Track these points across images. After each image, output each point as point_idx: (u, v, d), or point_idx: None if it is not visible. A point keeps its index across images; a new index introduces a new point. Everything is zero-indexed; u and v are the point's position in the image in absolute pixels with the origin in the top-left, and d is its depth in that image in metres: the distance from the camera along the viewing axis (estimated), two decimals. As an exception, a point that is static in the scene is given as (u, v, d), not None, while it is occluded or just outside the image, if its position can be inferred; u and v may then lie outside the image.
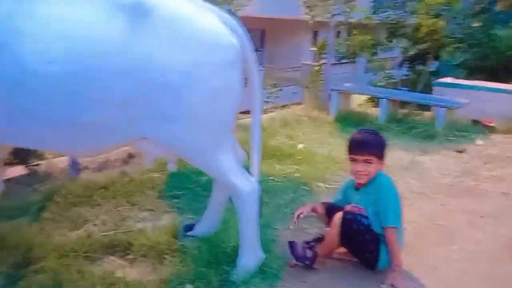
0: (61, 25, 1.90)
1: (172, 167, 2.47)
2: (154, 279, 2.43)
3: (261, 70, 6.39)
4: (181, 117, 2.09)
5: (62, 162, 4.24)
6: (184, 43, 2.04)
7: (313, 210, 2.83)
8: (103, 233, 2.92)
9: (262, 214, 2.57)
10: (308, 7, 7.54)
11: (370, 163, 2.54)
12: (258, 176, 2.47)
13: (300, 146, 5.18)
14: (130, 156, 4.54)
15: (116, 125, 2.05)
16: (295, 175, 4.19)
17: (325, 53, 8.25)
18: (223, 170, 2.31)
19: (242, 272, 2.38)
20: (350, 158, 2.62)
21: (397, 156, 4.95)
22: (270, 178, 3.99)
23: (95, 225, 3.09)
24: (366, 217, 2.53)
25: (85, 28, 1.93)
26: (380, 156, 2.58)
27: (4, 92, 1.88)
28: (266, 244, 2.64)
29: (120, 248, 2.76)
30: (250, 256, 2.43)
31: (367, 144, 2.57)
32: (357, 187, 2.68)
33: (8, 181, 3.53)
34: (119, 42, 1.93)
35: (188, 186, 3.76)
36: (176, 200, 3.56)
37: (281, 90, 8.21)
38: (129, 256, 2.68)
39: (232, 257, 2.50)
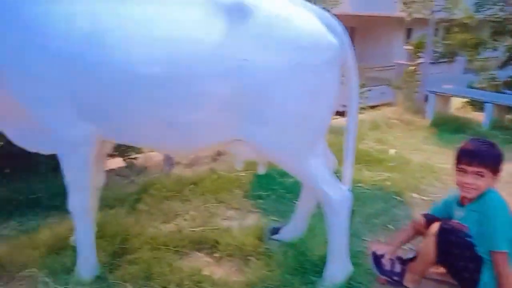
0: (162, 27, 1.97)
1: (261, 170, 2.44)
2: (239, 281, 2.43)
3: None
4: (275, 119, 2.04)
5: (157, 156, 4.49)
6: (282, 44, 1.98)
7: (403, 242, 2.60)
8: (192, 229, 3.01)
9: (350, 223, 2.43)
10: (405, 3, 7.10)
11: (481, 176, 2.26)
12: (350, 184, 2.35)
13: (392, 151, 4.87)
14: (219, 153, 4.65)
15: (212, 126, 2.07)
16: (386, 183, 3.94)
17: (421, 52, 7.70)
18: (313, 176, 2.22)
19: (328, 284, 2.27)
20: (458, 168, 2.35)
21: (505, 169, 4.42)
22: (359, 185, 3.79)
23: (185, 220, 3.20)
24: (469, 236, 2.27)
25: (185, 30, 1.97)
26: (494, 170, 2.28)
27: (109, 92, 1.99)
28: (354, 256, 2.49)
29: (207, 245, 2.82)
30: (338, 268, 2.31)
31: (480, 155, 2.28)
32: (462, 203, 2.41)
33: (108, 172, 3.81)
34: (218, 44, 1.94)
35: (273, 187, 3.73)
36: (261, 201, 3.55)
37: (370, 90, 7.85)
38: (216, 254, 2.72)
39: (318, 266, 2.41)
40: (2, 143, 3.28)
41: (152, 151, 4.51)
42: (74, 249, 2.59)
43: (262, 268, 2.49)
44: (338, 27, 2.15)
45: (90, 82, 1.97)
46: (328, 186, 2.21)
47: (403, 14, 7.45)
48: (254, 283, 2.37)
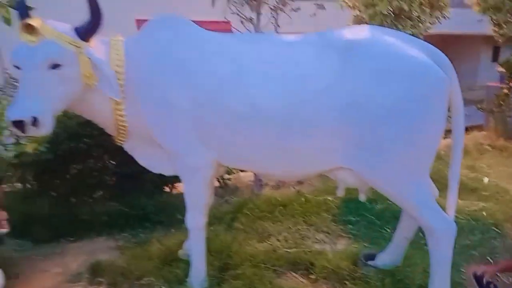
0: (281, 65, 2.20)
1: (362, 197, 2.53)
2: (337, 304, 2.52)
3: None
4: (384, 149, 2.15)
5: (247, 177, 4.74)
6: (393, 79, 2.11)
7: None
8: (286, 249, 3.16)
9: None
10: (498, 24, 6.78)
11: None
12: (454, 214, 2.35)
13: (486, 180, 4.66)
14: (304, 176, 4.79)
15: (322, 154, 2.23)
16: (482, 213, 3.79)
17: (514, 74, 7.24)
18: (418, 204, 2.27)
19: (431, 314, 2.28)
20: None
21: None
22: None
23: (278, 240, 3.37)
24: None
25: (301, 68, 2.18)
26: None
27: (235, 124, 2.25)
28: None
29: (302, 266, 2.95)
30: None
31: None
32: None
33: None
34: (330, 79, 2.13)
35: (362, 213, 3.77)
36: (351, 226, 3.61)
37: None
38: (312, 276, 2.84)
39: (418, 296, 2.42)
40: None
41: (242, 172, 4.78)
42: (183, 261, 2.88)
43: (359, 291, 2.56)
44: (446, 60, 2.23)
45: (220, 117, 2.25)
46: (432, 215, 2.24)
47: (490, 32, 7.12)
48: (352, 307, 2.45)
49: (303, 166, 2.34)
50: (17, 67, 2.13)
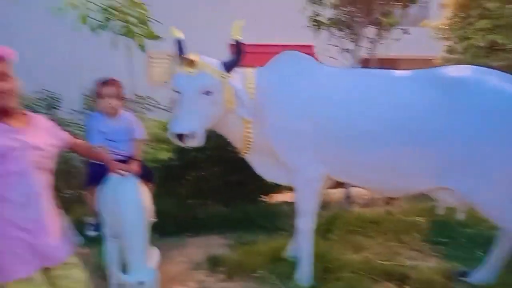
0: (393, 97, 2.61)
1: (461, 216, 2.80)
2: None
3: None
4: (487, 173, 2.45)
5: (337, 193, 5.11)
6: (496, 115, 2.43)
7: None
8: (381, 261, 3.46)
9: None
10: None
11: None
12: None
13: None
14: (391, 197, 5.04)
15: (427, 175, 2.59)
16: None
17: None
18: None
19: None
20: None
21: None
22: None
23: (371, 253, 3.68)
24: None
25: (410, 100, 2.57)
26: None
27: (349, 145, 2.68)
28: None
29: (396, 277, 3.23)
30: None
31: None
32: None
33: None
34: (436, 108, 2.49)
35: (452, 235, 3.94)
36: (441, 247, 3.81)
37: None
38: (406, 287, 3.11)
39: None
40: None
41: (332, 188, 5.15)
42: (288, 261, 3.32)
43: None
44: None
45: (336, 139, 2.71)
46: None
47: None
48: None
49: (408, 184, 2.69)
50: (177, 92, 2.75)
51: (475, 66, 2.71)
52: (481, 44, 4.85)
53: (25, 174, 1.84)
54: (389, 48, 4.74)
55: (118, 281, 2.58)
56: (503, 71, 2.65)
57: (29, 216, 1.85)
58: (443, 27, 5.54)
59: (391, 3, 4.57)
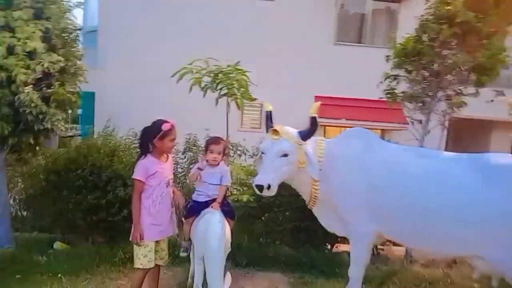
0: (439, 175, 3.14)
1: (494, 284, 3.13)
2: None
3: None
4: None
5: (398, 251, 5.44)
6: None
7: None
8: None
9: None
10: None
11: None
12: None
13: None
14: (454, 261, 5.23)
15: (464, 244, 3.04)
16: None
17: None
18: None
19: None
20: None
21: None
22: None
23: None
24: None
25: (454, 179, 3.08)
26: None
27: (399, 212, 3.25)
28: None
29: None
30: None
31: None
32: None
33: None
34: (476, 189, 2.97)
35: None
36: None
37: None
38: None
39: None
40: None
41: (395, 245, 5.50)
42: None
43: None
44: None
45: (388, 205, 3.27)
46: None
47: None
48: None
49: (446, 249, 3.15)
50: (263, 153, 3.53)
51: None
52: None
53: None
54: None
55: (199, 295, 3.34)
56: None
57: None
58: (515, 101, 5.72)
59: (461, 84, 5.01)
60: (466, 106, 5.17)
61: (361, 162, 3.45)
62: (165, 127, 3.42)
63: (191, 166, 5.59)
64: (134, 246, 3.45)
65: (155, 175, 3.42)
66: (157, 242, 3.55)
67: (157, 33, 9.99)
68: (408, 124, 5.48)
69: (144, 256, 3.45)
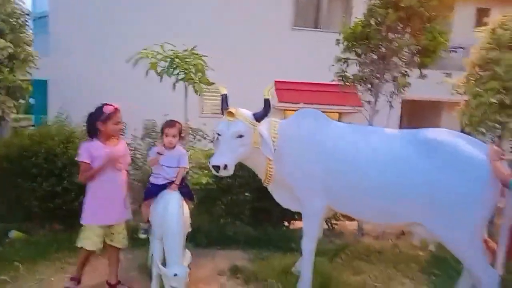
0: (384, 151, 3.37)
1: (431, 247, 3.44)
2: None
3: None
4: (446, 214, 3.13)
5: (351, 225, 5.76)
6: (459, 170, 3.12)
7: None
8: (376, 284, 4.11)
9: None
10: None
11: None
12: (502, 270, 3.12)
13: None
14: (402, 233, 5.62)
15: (405, 212, 3.30)
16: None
17: None
18: (471, 261, 3.12)
19: None
20: None
21: None
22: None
23: (369, 276, 4.32)
24: None
25: (396, 154, 3.33)
26: None
27: (348, 187, 3.46)
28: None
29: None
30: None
31: None
32: None
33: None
34: (416, 163, 3.23)
35: (446, 269, 4.47)
36: (433, 277, 4.36)
37: None
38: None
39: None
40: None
41: (347, 221, 5.82)
42: (294, 274, 4.05)
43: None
44: (486, 149, 3.16)
45: (338, 180, 3.48)
46: (481, 269, 3.06)
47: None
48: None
49: (390, 219, 3.42)
50: (219, 134, 3.63)
51: (450, 131, 3.42)
52: (491, 101, 5.36)
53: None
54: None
55: (158, 272, 3.44)
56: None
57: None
58: (461, 83, 6.12)
59: (406, 66, 5.32)
60: (410, 86, 5.49)
61: (311, 142, 3.63)
62: (106, 109, 3.52)
63: (149, 152, 5.65)
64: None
65: (99, 158, 3.49)
66: (111, 226, 3.65)
67: (111, 18, 9.76)
68: (363, 106, 5.75)
69: (87, 238, 3.57)
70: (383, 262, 4.65)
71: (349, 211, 3.72)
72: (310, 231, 3.73)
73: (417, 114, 12.60)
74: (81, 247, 3.60)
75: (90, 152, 3.50)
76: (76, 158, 3.56)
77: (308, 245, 3.75)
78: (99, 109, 3.56)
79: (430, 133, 3.38)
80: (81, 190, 4.55)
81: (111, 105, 3.56)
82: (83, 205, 3.60)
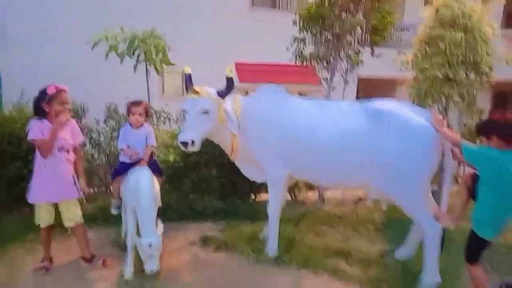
0: (337, 121, 3.68)
1: (383, 207, 3.84)
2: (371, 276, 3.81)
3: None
4: (398, 176, 3.48)
5: (313, 196, 6.15)
6: (402, 134, 3.47)
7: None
8: (335, 243, 4.50)
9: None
10: None
11: None
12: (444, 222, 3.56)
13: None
14: (360, 199, 6.07)
15: (356, 174, 3.65)
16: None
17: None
18: (417, 215, 3.54)
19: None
20: None
21: None
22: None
23: (328, 238, 4.70)
24: None
25: (348, 124, 3.65)
26: None
27: (307, 154, 3.75)
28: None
29: (342, 253, 4.24)
30: (430, 276, 3.52)
31: None
32: None
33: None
34: (364, 130, 3.56)
35: (399, 228, 4.90)
36: (387, 236, 4.81)
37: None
38: (348, 260, 4.13)
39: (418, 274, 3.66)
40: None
41: (309, 191, 6.21)
42: (262, 240, 4.36)
43: (380, 273, 3.85)
44: (429, 116, 3.54)
45: (298, 150, 3.76)
46: (426, 222, 3.49)
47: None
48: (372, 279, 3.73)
49: (345, 181, 3.77)
50: (185, 111, 3.81)
51: (397, 101, 3.78)
52: (437, 75, 5.80)
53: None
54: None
55: (133, 243, 3.63)
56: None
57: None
58: (410, 60, 6.55)
59: (359, 44, 5.67)
60: (363, 64, 5.85)
61: (272, 116, 3.89)
62: (49, 90, 3.59)
63: (114, 133, 5.73)
64: None
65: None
66: (59, 204, 3.79)
67: (66, 2, 9.49)
68: (321, 85, 6.06)
69: (39, 216, 3.77)
70: (342, 225, 5.06)
71: (308, 177, 4.04)
72: (275, 198, 4.03)
73: (373, 91, 13.17)
74: (39, 226, 3.78)
75: (40, 129, 3.57)
76: (28, 137, 3.59)
77: (274, 211, 4.06)
78: (43, 91, 3.62)
79: (377, 103, 3.72)
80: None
81: (54, 86, 3.61)
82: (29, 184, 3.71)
